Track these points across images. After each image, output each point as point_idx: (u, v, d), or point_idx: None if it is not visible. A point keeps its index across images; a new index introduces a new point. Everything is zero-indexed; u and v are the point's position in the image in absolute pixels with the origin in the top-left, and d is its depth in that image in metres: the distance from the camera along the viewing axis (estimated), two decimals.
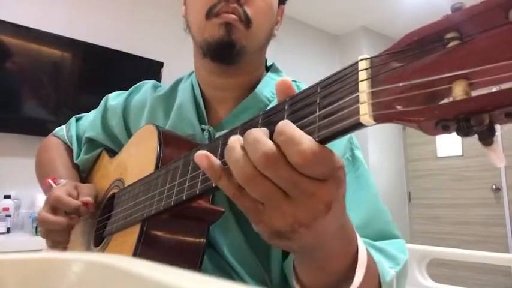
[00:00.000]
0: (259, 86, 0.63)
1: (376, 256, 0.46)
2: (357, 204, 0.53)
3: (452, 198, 3.43)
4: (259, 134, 0.30)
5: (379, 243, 0.51)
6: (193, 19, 0.60)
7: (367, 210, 0.54)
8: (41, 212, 0.61)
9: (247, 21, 0.56)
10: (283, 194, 0.30)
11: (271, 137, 0.31)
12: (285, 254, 0.55)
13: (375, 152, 3.46)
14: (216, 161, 0.33)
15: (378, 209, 0.56)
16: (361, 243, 0.39)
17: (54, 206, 0.61)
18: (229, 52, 0.56)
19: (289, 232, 0.31)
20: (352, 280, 0.37)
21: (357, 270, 0.37)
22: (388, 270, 0.46)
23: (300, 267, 0.40)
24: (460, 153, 3.38)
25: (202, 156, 0.33)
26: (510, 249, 3.00)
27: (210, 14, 0.55)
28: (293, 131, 0.28)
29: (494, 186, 3.18)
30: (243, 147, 0.31)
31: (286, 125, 0.29)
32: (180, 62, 1.66)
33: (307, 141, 0.28)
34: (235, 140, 0.32)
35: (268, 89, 0.63)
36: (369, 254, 0.41)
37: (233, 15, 0.55)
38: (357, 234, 0.39)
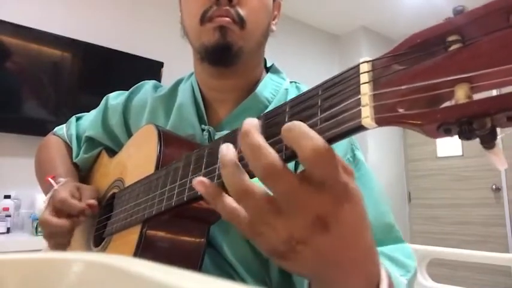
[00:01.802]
0: (259, 87, 0.63)
1: (390, 267, 0.44)
2: None
3: (452, 198, 3.42)
4: (262, 141, 0.29)
5: (388, 250, 0.50)
6: (188, 25, 0.60)
7: (369, 211, 0.53)
8: (44, 214, 0.61)
9: (241, 22, 0.56)
10: (275, 209, 0.30)
11: (268, 139, 0.31)
12: None
13: (374, 151, 3.45)
14: (211, 185, 0.33)
15: (380, 211, 0.55)
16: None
17: (58, 208, 0.61)
18: (226, 55, 0.56)
19: (288, 251, 0.30)
20: None
21: None
22: (400, 280, 0.45)
23: None
24: (460, 153, 3.38)
25: (197, 183, 0.33)
26: (510, 249, 2.99)
27: (203, 19, 0.56)
28: (304, 127, 0.28)
29: (494, 186, 3.18)
30: (239, 159, 0.31)
31: (294, 122, 0.29)
32: (180, 62, 1.66)
33: (319, 137, 0.28)
34: (231, 154, 0.31)
35: (268, 90, 0.63)
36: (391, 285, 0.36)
37: (226, 18, 0.55)
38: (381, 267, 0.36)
